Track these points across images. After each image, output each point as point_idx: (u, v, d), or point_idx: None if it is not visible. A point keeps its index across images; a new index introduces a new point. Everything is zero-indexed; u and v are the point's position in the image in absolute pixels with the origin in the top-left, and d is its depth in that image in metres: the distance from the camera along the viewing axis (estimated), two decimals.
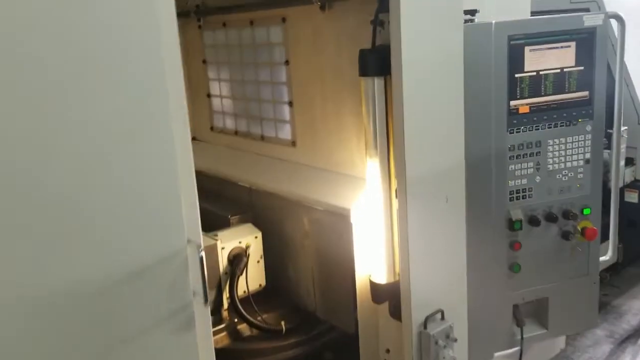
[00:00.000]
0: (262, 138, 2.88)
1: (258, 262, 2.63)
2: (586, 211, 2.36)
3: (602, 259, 2.55)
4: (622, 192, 3.56)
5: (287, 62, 2.61)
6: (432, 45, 1.91)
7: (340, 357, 2.55)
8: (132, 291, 1.41)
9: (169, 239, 1.43)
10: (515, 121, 2.21)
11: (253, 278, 2.60)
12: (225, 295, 2.52)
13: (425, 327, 2.07)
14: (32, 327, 1.29)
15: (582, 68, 2.24)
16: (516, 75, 2.17)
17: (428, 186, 2.00)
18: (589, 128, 2.31)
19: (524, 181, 2.27)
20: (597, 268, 2.47)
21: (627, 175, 3.78)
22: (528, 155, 2.26)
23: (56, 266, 1.30)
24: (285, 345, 2.53)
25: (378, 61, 1.97)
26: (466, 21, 2.04)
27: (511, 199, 2.27)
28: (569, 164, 2.32)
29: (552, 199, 2.32)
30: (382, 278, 2.16)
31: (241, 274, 2.52)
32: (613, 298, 4.34)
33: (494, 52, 2.12)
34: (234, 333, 2.59)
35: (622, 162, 3.43)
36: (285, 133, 2.72)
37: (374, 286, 2.19)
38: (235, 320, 2.57)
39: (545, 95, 2.23)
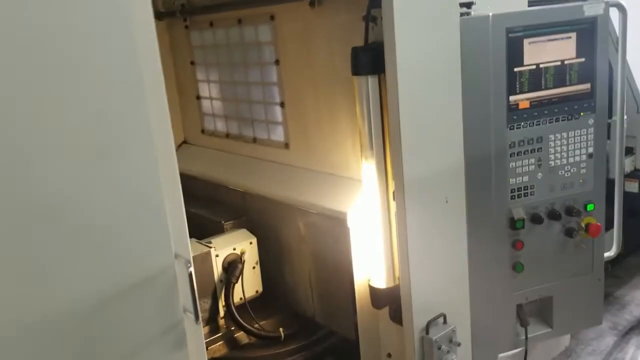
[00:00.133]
0: (255, 140, 2.81)
1: (254, 268, 2.57)
2: (590, 207, 2.29)
3: (606, 254, 2.48)
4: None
5: (277, 62, 2.54)
6: (427, 41, 1.84)
7: None
8: (118, 312, 1.34)
9: (154, 256, 1.36)
10: (515, 117, 2.13)
11: (249, 284, 2.55)
12: (221, 303, 2.47)
13: (427, 332, 2.01)
14: (17, 354, 1.22)
15: (583, 60, 2.17)
16: (515, 69, 2.09)
17: (426, 187, 1.94)
18: (591, 121, 2.23)
19: (525, 178, 2.20)
20: (602, 265, 2.40)
21: (627, 164, 3.73)
22: (529, 151, 2.18)
23: (38, 291, 1.23)
24: (284, 352, 2.48)
25: (371, 59, 1.91)
26: (462, 14, 1.97)
27: (512, 197, 2.20)
28: (571, 159, 2.25)
29: (554, 196, 2.25)
30: (381, 283, 2.10)
31: (237, 282, 2.46)
32: (615, 289, 4.29)
33: (492, 46, 2.04)
34: (231, 341, 2.54)
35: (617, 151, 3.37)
36: (278, 135, 2.66)
37: (373, 291, 2.13)
38: (232, 328, 2.52)
39: (546, 89, 2.15)
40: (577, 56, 2.16)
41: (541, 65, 2.13)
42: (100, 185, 1.26)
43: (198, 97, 3.13)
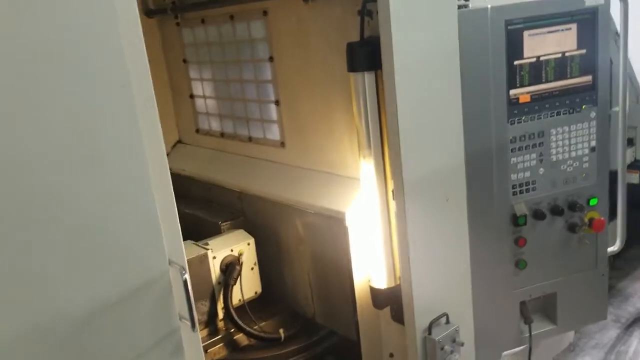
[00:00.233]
0: (250, 139, 2.76)
1: (252, 269, 2.53)
2: (593, 201, 2.25)
3: (610, 249, 2.45)
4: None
5: (271, 59, 2.49)
6: (424, 35, 1.79)
7: None
8: (111, 322, 1.30)
9: (148, 263, 1.32)
10: (515, 111, 2.09)
11: (248, 286, 2.52)
12: (220, 305, 2.43)
13: (429, 333, 1.98)
14: None
15: (584, 51, 2.12)
16: (515, 63, 2.04)
17: (427, 185, 1.89)
18: (593, 114, 2.19)
19: (527, 174, 2.16)
20: (606, 260, 2.37)
21: (628, 156, 3.70)
22: (530, 146, 2.14)
23: (27, 301, 1.18)
24: (285, 353, 2.45)
25: (367, 55, 1.86)
26: (460, 7, 1.92)
27: (514, 194, 2.16)
28: (573, 154, 2.21)
29: (557, 191, 2.21)
30: (382, 283, 2.05)
31: (235, 283, 2.42)
32: (617, 281, 4.27)
33: (491, 39, 1.99)
34: (231, 344, 2.51)
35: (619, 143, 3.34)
36: (274, 134, 2.61)
37: (374, 292, 2.09)
38: (232, 330, 2.50)
39: (547, 82, 2.10)
40: (578, 48, 2.12)
41: (541, 58, 2.09)
42: (89, 192, 1.21)
43: (192, 96, 3.08)
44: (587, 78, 2.16)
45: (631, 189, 3.52)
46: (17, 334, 1.17)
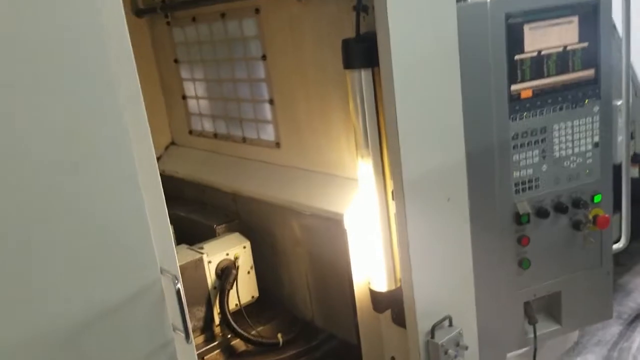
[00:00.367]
0: (244, 140, 2.70)
1: (248, 273, 2.47)
2: (597, 198, 2.21)
3: (615, 246, 2.40)
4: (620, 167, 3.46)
5: (264, 57, 2.43)
6: (422, 30, 1.73)
7: None
8: (100, 335, 1.23)
9: (138, 272, 1.25)
10: (517, 107, 2.03)
11: (244, 290, 2.46)
12: (216, 310, 2.38)
13: (432, 336, 1.92)
14: None
15: (586, 45, 2.07)
16: (516, 57, 1.99)
17: (427, 186, 1.83)
18: (596, 109, 2.14)
19: (530, 171, 2.11)
20: (611, 257, 2.33)
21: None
22: (533, 143, 2.08)
23: (13, 317, 1.11)
24: (283, 358, 2.40)
25: (364, 51, 1.80)
26: (458, 0, 1.86)
27: (517, 192, 2.10)
28: (576, 149, 2.15)
29: (560, 188, 2.16)
30: (382, 286, 2.00)
31: (231, 288, 2.37)
32: (618, 276, 4.23)
33: (491, 33, 1.94)
34: (228, 349, 2.46)
35: (622, 137, 3.31)
36: (268, 134, 2.55)
37: (374, 295, 2.04)
38: (229, 336, 2.44)
39: (549, 76, 2.05)
40: (580, 41, 2.06)
41: (543, 52, 2.03)
42: (71, 196, 1.14)
43: (184, 97, 3.01)
44: (590, 72, 2.11)
45: (631, 182, 3.49)
46: (5, 346, 1.11)
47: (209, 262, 2.33)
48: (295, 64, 2.28)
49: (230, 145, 2.80)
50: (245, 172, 2.65)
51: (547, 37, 2.03)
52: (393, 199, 1.87)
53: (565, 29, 2.05)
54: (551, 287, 2.26)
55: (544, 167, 2.13)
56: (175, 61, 2.96)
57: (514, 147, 2.06)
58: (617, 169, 2.44)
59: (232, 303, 2.40)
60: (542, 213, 2.13)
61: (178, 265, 1.30)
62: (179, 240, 2.49)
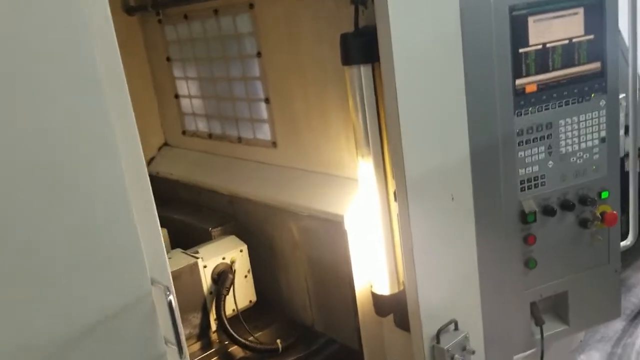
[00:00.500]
0: (239, 140, 2.63)
1: (246, 277, 2.41)
2: (604, 195, 2.14)
3: (622, 244, 2.34)
4: (622, 161, 3.43)
5: (259, 54, 2.36)
6: (424, 23, 1.67)
7: None
8: (89, 350, 1.16)
9: (127, 284, 1.17)
10: (522, 102, 1.96)
11: (242, 295, 2.40)
12: (213, 316, 2.31)
13: (438, 341, 1.85)
14: None
15: (592, 37, 2.00)
16: (520, 51, 1.92)
17: (431, 184, 1.77)
18: (602, 103, 2.08)
19: (536, 168, 2.04)
20: (618, 255, 2.27)
21: (627, 144, 3.61)
22: (538, 138, 2.02)
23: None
24: None
25: (363, 46, 1.73)
26: None
27: (522, 189, 2.03)
28: (583, 145, 2.09)
29: (566, 185, 2.09)
30: (385, 289, 1.94)
31: (228, 293, 2.29)
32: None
33: (495, 26, 1.87)
34: (225, 357, 2.39)
35: (622, 131, 3.27)
36: (264, 133, 2.48)
37: (376, 298, 1.97)
38: (226, 342, 2.37)
39: (554, 70, 1.98)
40: (586, 33, 1.99)
41: (548, 45, 1.96)
42: (55, 206, 1.07)
43: (177, 96, 2.94)
44: (596, 65, 2.04)
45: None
46: None
47: (205, 266, 2.27)
48: (292, 61, 2.22)
49: (225, 145, 2.74)
50: (241, 173, 2.59)
51: (552, 30, 1.96)
52: (395, 199, 1.80)
53: (571, 21, 1.98)
54: (558, 287, 2.20)
55: (550, 164, 2.06)
56: (168, 59, 2.89)
57: (519, 144, 2.00)
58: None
59: (229, 308, 2.33)
60: (548, 211, 2.06)
61: (170, 275, 1.22)
62: (173, 244, 2.43)
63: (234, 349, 2.37)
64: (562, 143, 2.06)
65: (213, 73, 2.65)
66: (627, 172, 2.58)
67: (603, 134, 2.11)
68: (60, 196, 1.06)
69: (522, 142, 2.00)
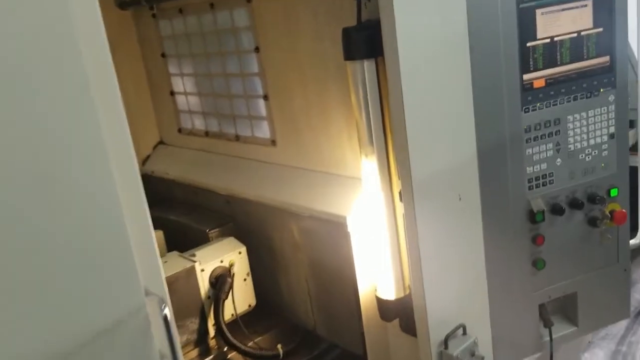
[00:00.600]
0: (237, 138, 2.56)
1: (245, 280, 2.33)
2: (613, 192, 2.08)
3: (632, 242, 2.29)
4: None
5: (257, 49, 2.29)
6: (430, 16, 1.60)
7: None
8: None
9: (118, 296, 1.09)
10: (530, 98, 1.90)
11: (241, 298, 2.33)
12: (211, 322, 2.24)
13: (446, 347, 1.79)
14: None
15: (601, 30, 1.94)
16: (528, 44, 1.85)
17: (437, 184, 1.71)
18: (611, 98, 2.02)
19: (544, 166, 1.98)
20: (628, 254, 2.21)
21: (630, 138, 3.56)
22: (547, 135, 1.95)
23: None
24: None
25: (366, 40, 1.66)
26: None
27: (530, 188, 1.97)
28: (592, 141, 2.03)
29: (575, 183, 2.03)
30: (390, 294, 1.87)
31: (227, 297, 2.22)
32: None
33: (502, 19, 1.80)
34: None
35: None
36: (263, 131, 2.41)
37: (381, 303, 1.91)
38: (225, 349, 2.30)
39: (562, 64, 1.92)
40: (595, 26, 1.93)
41: (556, 38, 1.90)
42: (39, 213, 0.99)
43: (172, 93, 2.87)
44: (605, 59, 1.98)
45: (633, 172, 3.38)
46: None
47: (202, 270, 2.19)
48: (291, 56, 2.15)
49: (222, 143, 2.67)
50: (239, 172, 2.52)
51: (560, 22, 1.90)
52: (401, 199, 1.73)
53: (579, 13, 1.91)
54: (567, 288, 2.14)
55: (559, 161, 2.00)
56: (163, 55, 2.81)
57: (526, 141, 1.93)
58: None
59: (228, 313, 2.26)
60: (557, 210, 2.00)
61: (166, 284, 1.15)
62: (169, 247, 2.36)
63: (233, 355, 2.31)
64: (571, 140, 2.00)
65: (210, 69, 2.58)
66: (635, 167, 2.53)
67: (612, 130, 2.05)
68: (42, 200, 0.98)
69: (530, 139, 1.94)
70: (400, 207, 1.77)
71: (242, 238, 2.37)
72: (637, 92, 2.30)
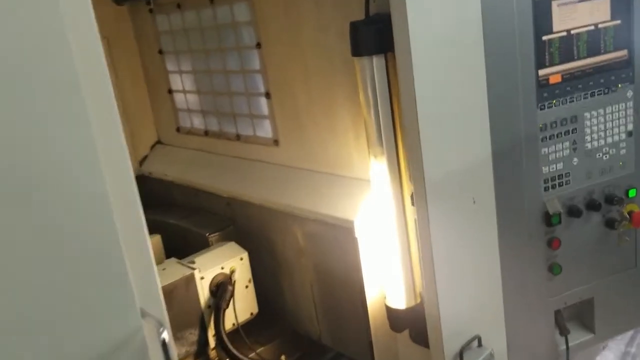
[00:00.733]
0: (238, 138, 2.48)
1: (246, 287, 2.25)
2: (632, 193, 2.01)
3: None
4: None
5: (258, 45, 2.22)
6: (443, 9, 1.52)
7: None
8: None
9: (112, 319, 1.00)
10: (546, 94, 1.82)
11: (242, 307, 2.24)
12: (211, 332, 2.15)
13: None
14: None
15: (619, 22, 1.86)
16: (544, 38, 1.77)
17: (451, 187, 1.62)
18: (630, 94, 1.94)
19: (560, 165, 1.89)
20: None
21: None
22: (563, 133, 1.87)
23: None
24: None
25: (375, 35, 1.58)
26: None
27: (546, 189, 1.89)
28: (609, 139, 1.95)
29: (592, 183, 1.95)
30: (400, 302, 1.78)
31: (227, 307, 2.13)
32: None
33: (517, 12, 1.72)
34: None
35: None
36: (265, 130, 2.34)
37: (391, 312, 1.82)
38: None
39: (579, 59, 1.84)
40: (612, 18, 1.85)
41: (572, 32, 1.82)
42: (26, 226, 0.90)
43: (170, 91, 2.79)
44: (622, 53, 1.90)
45: None
46: None
47: (202, 278, 2.10)
48: (294, 52, 2.07)
49: (223, 143, 2.59)
50: (240, 173, 2.44)
51: (577, 15, 1.82)
52: (412, 203, 1.64)
53: (597, 5, 1.84)
54: (583, 293, 2.06)
55: (575, 161, 1.91)
56: (160, 52, 2.74)
57: (542, 140, 1.85)
58: None
59: (229, 322, 2.17)
60: (573, 212, 1.92)
61: (164, 304, 1.05)
62: (168, 252, 2.27)
63: None
64: (588, 138, 1.92)
65: (209, 66, 2.51)
66: None
67: (630, 127, 1.97)
68: (28, 207, 0.89)
69: (546, 137, 1.86)
70: (410, 211, 1.68)
71: (244, 242, 2.29)
72: None
